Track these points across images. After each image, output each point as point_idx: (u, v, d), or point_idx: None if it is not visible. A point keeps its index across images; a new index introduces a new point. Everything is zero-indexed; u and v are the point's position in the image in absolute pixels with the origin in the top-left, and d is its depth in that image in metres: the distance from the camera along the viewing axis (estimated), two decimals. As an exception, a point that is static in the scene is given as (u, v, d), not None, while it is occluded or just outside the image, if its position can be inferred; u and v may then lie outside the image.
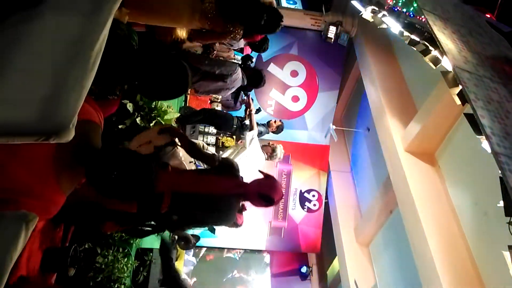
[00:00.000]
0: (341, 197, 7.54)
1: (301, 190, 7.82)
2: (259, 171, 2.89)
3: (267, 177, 2.84)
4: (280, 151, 5.07)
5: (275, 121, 5.93)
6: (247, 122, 5.39)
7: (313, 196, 7.82)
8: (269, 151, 5.02)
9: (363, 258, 6.66)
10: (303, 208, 7.77)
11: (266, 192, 2.74)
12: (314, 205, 7.79)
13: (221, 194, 2.69)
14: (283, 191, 7.70)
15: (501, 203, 3.07)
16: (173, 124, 3.80)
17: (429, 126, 4.74)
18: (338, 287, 7.61)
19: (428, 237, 4.29)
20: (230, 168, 2.82)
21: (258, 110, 5.36)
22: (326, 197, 7.80)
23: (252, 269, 8.67)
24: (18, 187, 1.59)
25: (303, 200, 7.80)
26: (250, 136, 4.70)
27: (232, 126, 5.49)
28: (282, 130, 5.99)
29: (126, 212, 2.63)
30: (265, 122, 6.02)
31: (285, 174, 7.77)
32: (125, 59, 2.00)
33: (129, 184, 1.85)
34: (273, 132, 5.98)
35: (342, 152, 8.20)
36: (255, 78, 4.49)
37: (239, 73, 4.11)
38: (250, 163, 5.07)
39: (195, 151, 3.02)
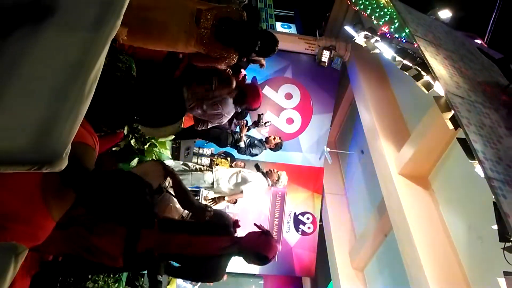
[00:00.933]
0: (336, 220, 7.49)
1: (295, 213, 7.76)
2: (255, 224, 2.78)
3: (264, 234, 2.70)
4: (285, 178, 5.28)
5: (274, 138, 5.89)
6: (241, 144, 5.43)
7: (308, 218, 7.76)
8: (275, 179, 5.18)
9: (358, 282, 6.59)
10: (297, 231, 7.70)
11: (262, 251, 2.61)
12: (309, 228, 7.73)
13: (213, 255, 2.60)
14: (278, 213, 7.66)
15: (495, 227, 3.07)
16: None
17: (422, 149, 4.76)
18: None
19: (423, 261, 4.25)
20: (223, 225, 2.71)
21: (267, 123, 5.57)
22: (321, 220, 7.75)
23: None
24: (5, 213, 1.55)
25: (297, 222, 7.74)
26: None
27: (227, 142, 5.49)
28: (280, 148, 5.96)
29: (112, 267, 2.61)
30: (264, 138, 5.98)
31: (279, 196, 7.72)
32: (127, 100, 2.06)
33: (123, 205, 1.82)
34: (270, 149, 5.94)
35: (337, 175, 8.19)
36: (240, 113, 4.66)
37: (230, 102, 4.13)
38: (252, 191, 5.14)
39: (186, 202, 2.83)
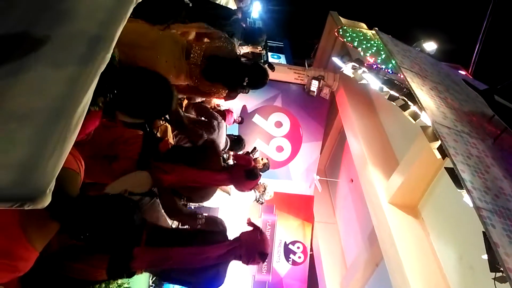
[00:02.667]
0: (326, 249, 7.43)
1: (285, 242, 7.67)
2: (248, 223, 2.77)
3: (260, 231, 2.68)
4: (271, 189, 5.33)
5: (261, 158, 5.93)
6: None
7: (298, 248, 7.67)
8: (261, 190, 5.24)
9: (350, 314, 6.47)
10: (287, 261, 7.59)
11: (264, 249, 2.61)
12: (299, 257, 7.63)
13: (210, 265, 2.54)
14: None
15: (485, 257, 3.07)
16: None
17: (411, 178, 4.80)
18: None
19: (414, 291, 4.21)
20: (218, 231, 2.66)
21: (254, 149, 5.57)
22: (311, 249, 7.67)
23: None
24: None
25: (287, 252, 7.64)
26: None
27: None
28: (268, 169, 5.97)
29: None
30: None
31: (269, 225, 7.65)
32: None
33: (109, 232, 1.78)
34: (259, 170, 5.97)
35: (327, 203, 8.18)
36: (237, 143, 4.71)
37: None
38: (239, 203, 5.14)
39: (175, 211, 2.76)
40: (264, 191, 5.45)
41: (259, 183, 5.48)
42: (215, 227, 2.67)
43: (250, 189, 3.29)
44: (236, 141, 4.99)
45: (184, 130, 3.14)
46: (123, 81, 2.08)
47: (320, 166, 7.91)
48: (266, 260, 2.80)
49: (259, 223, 7.53)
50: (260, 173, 5.58)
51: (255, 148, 5.89)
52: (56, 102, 1.44)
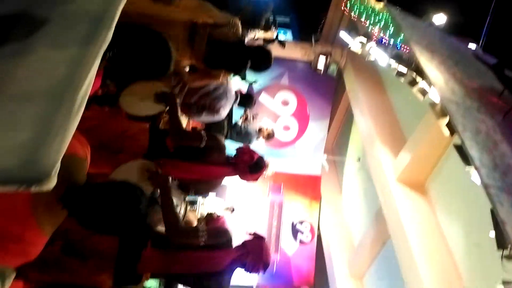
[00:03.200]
0: (334, 228, 7.42)
1: (293, 221, 7.68)
2: (251, 233, 2.68)
3: (264, 241, 2.62)
4: (272, 168, 5.35)
5: (266, 128, 5.89)
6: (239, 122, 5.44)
7: (306, 227, 7.67)
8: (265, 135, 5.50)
9: (356, 292, 6.50)
10: (295, 240, 7.61)
11: (268, 260, 2.56)
12: (307, 236, 7.63)
13: (217, 270, 2.52)
14: (276, 223, 7.58)
15: (493, 235, 3.02)
16: None
17: (419, 156, 4.71)
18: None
19: (420, 269, 4.19)
20: (223, 242, 2.58)
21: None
22: (319, 228, 7.67)
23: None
24: None
25: (295, 231, 7.65)
26: None
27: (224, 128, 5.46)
28: (272, 137, 5.92)
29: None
30: (256, 129, 5.95)
31: (277, 204, 7.65)
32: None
33: (115, 219, 1.77)
34: (263, 138, 5.92)
35: (334, 182, 8.13)
36: (247, 100, 4.61)
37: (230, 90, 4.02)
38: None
39: (176, 232, 2.54)
40: (268, 135, 5.56)
41: (264, 128, 5.63)
42: (219, 239, 2.57)
43: (256, 180, 3.28)
44: (246, 98, 4.85)
45: (183, 137, 3.09)
46: (123, 38, 2.03)
47: (327, 144, 7.82)
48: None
49: (266, 203, 7.53)
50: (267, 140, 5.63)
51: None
52: (59, 84, 1.43)
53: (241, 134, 5.43)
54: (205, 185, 3.26)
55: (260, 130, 5.75)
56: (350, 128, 7.65)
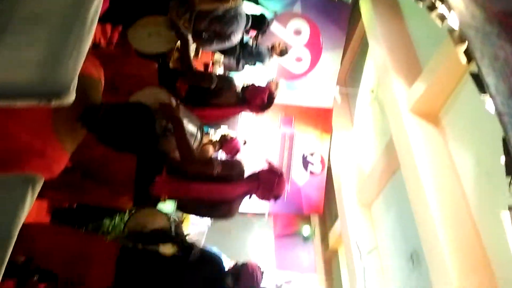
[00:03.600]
0: (344, 159, 7.51)
1: (303, 153, 7.79)
2: (267, 162, 2.75)
3: (279, 175, 2.67)
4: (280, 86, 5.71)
5: (279, 44, 5.76)
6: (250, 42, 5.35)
7: (316, 159, 7.79)
8: (274, 86, 5.34)
9: (364, 219, 6.71)
10: (306, 171, 7.77)
11: (279, 193, 2.66)
12: (317, 168, 7.78)
13: (228, 200, 2.61)
14: (287, 154, 7.69)
15: (503, 162, 3.03)
16: None
17: (434, 85, 4.61)
18: (340, 248, 7.74)
19: (428, 197, 4.27)
20: (236, 174, 2.65)
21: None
22: (329, 159, 7.78)
23: (256, 231, 8.81)
24: (19, 147, 1.59)
25: (305, 163, 7.79)
26: None
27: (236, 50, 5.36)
28: (286, 53, 5.81)
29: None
30: (268, 47, 5.80)
31: (288, 136, 7.72)
32: None
33: (132, 135, 1.86)
34: (277, 55, 5.81)
35: (346, 114, 8.09)
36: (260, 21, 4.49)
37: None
38: None
39: (189, 160, 2.59)
40: (276, 87, 5.50)
41: (271, 80, 5.67)
42: (232, 171, 2.65)
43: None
44: (259, 19, 4.67)
45: (195, 76, 3.04)
46: None
47: (340, 76, 7.66)
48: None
49: (278, 135, 7.60)
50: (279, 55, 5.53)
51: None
52: (69, 3, 1.49)
53: (253, 54, 5.29)
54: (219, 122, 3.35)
55: (272, 47, 5.57)
56: (364, 59, 7.44)
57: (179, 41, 3.08)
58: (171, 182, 2.50)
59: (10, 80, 1.36)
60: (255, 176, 2.67)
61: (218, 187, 2.53)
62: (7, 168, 1.54)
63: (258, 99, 3.25)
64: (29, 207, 1.52)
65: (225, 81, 3.16)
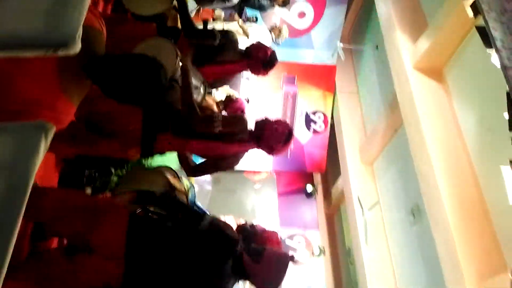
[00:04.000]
0: (347, 118, 7.50)
1: (306, 112, 7.79)
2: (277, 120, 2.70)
3: (288, 134, 2.65)
4: (285, 31, 5.54)
5: None
6: None
7: (319, 117, 7.81)
8: (277, 33, 5.43)
9: (366, 176, 6.80)
10: (309, 130, 7.81)
11: (278, 147, 2.64)
12: (320, 126, 7.82)
13: (231, 155, 2.61)
14: (289, 113, 7.70)
15: (506, 117, 3.04)
16: None
17: (439, 41, 4.54)
18: (342, 204, 7.89)
19: (431, 153, 4.32)
20: (240, 130, 2.63)
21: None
22: (332, 118, 7.79)
23: (260, 190, 8.94)
24: (28, 98, 1.63)
25: (308, 121, 7.81)
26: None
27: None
28: (288, 3, 5.72)
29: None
30: None
31: (290, 96, 7.70)
32: None
33: (136, 86, 1.86)
34: (279, 5, 5.72)
35: (349, 72, 8.00)
36: None
37: None
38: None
39: (191, 115, 2.60)
40: (279, 33, 5.49)
41: (275, 26, 5.65)
42: (234, 127, 2.62)
43: (267, 74, 3.31)
44: None
45: (196, 35, 2.96)
46: None
47: (344, 32, 7.53)
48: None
49: (280, 94, 7.57)
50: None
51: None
52: None
53: (255, 5, 5.22)
54: (221, 80, 3.32)
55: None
56: (369, 14, 7.26)
57: (175, 0, 3.01)
58: (174, 140, 2.52)
59: (17, 30, 1.38)
60: (260, 127, 2.64)
61: (223, 145, 2.54)
62: (19, 118, 1.57)
63: (261, 52, 3.21)
64: (43, 154, 1.55)
65: (227, 37, 3.12)
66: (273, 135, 2.59)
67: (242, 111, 3.93)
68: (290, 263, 2.19)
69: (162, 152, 2.64)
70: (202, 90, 2.68)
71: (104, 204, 2.21)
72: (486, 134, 4.11)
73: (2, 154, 1.44)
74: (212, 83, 3.48)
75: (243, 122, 2.70)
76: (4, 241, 1.33)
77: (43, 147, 1.53)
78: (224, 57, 3.14)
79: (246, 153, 2.71)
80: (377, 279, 5.88)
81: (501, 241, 3.91)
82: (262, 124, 2.65)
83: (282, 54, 7.20)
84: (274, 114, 7.60)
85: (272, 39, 5.51)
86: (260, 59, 3.21)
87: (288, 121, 7.65)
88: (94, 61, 1.82)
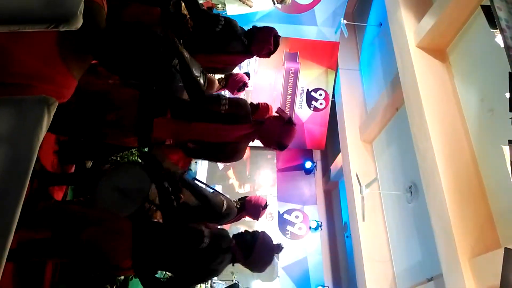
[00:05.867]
0: (348, 96, 7.52)
1: (308, 89, 7.78)
2: (278, 110, 2.62)
3: (287, 123, 2.55)
4: None
5: None
6: None
7: (320, 95, 7.80)
8: None
9: (366, 154, 6.88)
10: (309, 107, 7.81)
11: (284, 140, 2.54)
12: (321, 104, 7.81)
13: (230, 142, 2.55)
14: (290, 90, 7.69)
15: (507, 96, 3.09)
16: None
17: (443, 20, 4.53)
18: (340, 180, 8.00)
19: (431, 132, 4.37)
20: (243, 115, 2.57)
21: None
22: (333, 96, 7.80)
23: (259, 164, 9.02)
24: (28, 72, 1.63)
25: (309, 99, 7.80)
26: None
27: None
28: None
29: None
30: None
31: (292, 72, 7.66)
32: None
33: (139, 58, 1.89)
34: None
35: (352, 49, 7.97)
36: None
37: None
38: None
39: (193, 93, 2.54)
40: None
41: None
42: (239, 110, 2.57)
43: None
44: None
45: (200, 17, 2.87)
46: None
47: (348, 9, 7.45)
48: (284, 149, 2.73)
49: (282, 71, 7.54)
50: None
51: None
52: None
53: None
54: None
55: None
56: (373, -9, 7.21)
57: None
58: (173, 124, 2.45)
59: (20, 4, 1.37)
60: (260, 121, 2.61)
61: (224, 127, 2.49)
62: (19, 92, 1.59)
63: (265, 49, 3.12)
64: (46, 128, 1.58)
65: (229, 25, 3.03)
66: (272, 126, 2.55)
67: (245, 84, 3.87)
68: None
69: (160, 141, 2.53)
70: (202, 80, 2.63)
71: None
72: (486, 114, 4.17)
73: (6, 127, 1.47)
74: (212, 71, 3.45)
75: (247, 107, 2.67)
76: (12, 207, 1.40)
77: (46, 120, 1.56)
78: (225, 46, 3.06)
79: (246, 145, 2.67)
80: (372, 253, 6.04)
81: (495, 218, 4.02)
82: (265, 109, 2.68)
83: (284, 30, 7.22)
84: (275, 90, 7.62)
85: (274, 1, 5.23)
86: (265, 54, 3.13)
87: (289, 98, 7.69)
88: (95, 35, 1.81)
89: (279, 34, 3.19)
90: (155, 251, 2.14)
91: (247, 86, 4.01)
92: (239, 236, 2.43)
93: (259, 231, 2.48)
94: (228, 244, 2.31)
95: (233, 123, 2.51)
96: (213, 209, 2.81)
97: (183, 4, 2.90)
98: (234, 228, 5.75)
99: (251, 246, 2.36)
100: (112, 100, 2.35)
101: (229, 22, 3.02)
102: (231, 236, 2.41)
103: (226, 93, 4.26)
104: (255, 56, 3.27)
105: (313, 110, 7.82)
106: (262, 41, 3.14)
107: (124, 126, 2.39)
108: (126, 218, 2.26)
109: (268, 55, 3.20)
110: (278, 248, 2.47)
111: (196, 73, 2.58)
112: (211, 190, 3.02)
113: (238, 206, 3.06)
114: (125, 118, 2.37)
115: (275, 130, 2.53)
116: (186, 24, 2.81)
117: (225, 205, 2.87)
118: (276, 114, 2.60)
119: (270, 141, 2.57)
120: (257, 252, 2.37)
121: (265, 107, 3.37)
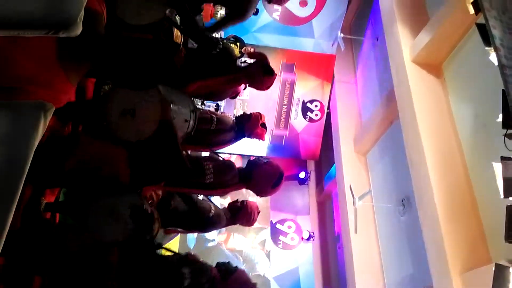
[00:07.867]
0: (343, 108, 7.58)
1: (303, 100, 7.85)
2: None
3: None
4: None
5: None
6: None
7: (316, 106, 7.87)
8: None
9: (359, 165, 6.91)
10: (304, 118, 7.87)
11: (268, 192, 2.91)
12: (316, 115, 7.88)
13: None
14: (286, 100, 7.74)
15: (501, 116, 3.13)
16: None
17: (439, 36, 4.61)
18: (334, 191, 8.01)
19: (424, 146, 4.41)
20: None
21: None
22: (329, 108, 7.86)
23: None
24: (26, 76, 1.64)
25: (305, 110, 7.87)
26: None
27: None
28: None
29: None
30: None
31: (288, 83, 7.74)
32: None
33: (139, 65, 1.92)
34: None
35: (348, 62, 8.05)
36: None
37: None
38: None
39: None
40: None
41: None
42: (226, 176, 2.73)
43: (268, 87, 3.20)
44: None
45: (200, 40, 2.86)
46: None
47: (345, 22, 7.54)
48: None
49: (278, 82, 7.58)
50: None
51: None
52: None
53: None
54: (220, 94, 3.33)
55: None
56: (370, 6, 7.29)
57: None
58: (162, 189, 2.60)
59: (20, 10, 1.37)
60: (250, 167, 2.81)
61: (212, 192, 2.71)
62: (16, 96, 1.59)
63: (259, 56, 3.14)
64: (42, 133, 1.59)
65: (225, 49, 2.96)
66: (262, 178, 2.81)
67: (237, 94, 3.84)
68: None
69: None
70: (191, 122, 2.58)
71: None
72: (479, 130, 4.22)
73: (2, 131, 1.47)
74: (207, 96, 3.43)
75: (233, 169, 2.78)
76: (4, 212, 1.40)
77: (42, 126, 1.57)
78: (224, 70, 3.01)
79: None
80: (364, 265, 6.04)
81: (486, 233, 4.04)
82: (253, 165, 2.76)
83: (282, 42, 7.32)
84: (271, 100, 7.66)
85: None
86: (260, 63, 3.11)
87: (285, 108, 7.73)
88: (94, 42, 1.83)
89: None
90: None
91: (240, 95, 4.00)
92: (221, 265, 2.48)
93: (237, 266, 2.51)
94: (208, 277, 2.32)
95: (222, 188, 2.69)
96: (200, 213, 2.83)
97: (175, 32, 2.88)
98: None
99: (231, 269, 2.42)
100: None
101: (227, 48, 2.98)
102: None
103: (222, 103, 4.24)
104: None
105: (308, 121, 7.88)
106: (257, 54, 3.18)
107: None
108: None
109: (263, 73, 3.14)
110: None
111: (185, 113, 2.54)
112: (201, 197, 3.04)
113: (228, 216, 3.09)
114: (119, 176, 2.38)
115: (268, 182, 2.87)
116: (180, 53, 2.78)
117: (212, 211, 2.90)
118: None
119: (260, 191, 2.91)
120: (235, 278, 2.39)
121: (257, 116, 3.38)
